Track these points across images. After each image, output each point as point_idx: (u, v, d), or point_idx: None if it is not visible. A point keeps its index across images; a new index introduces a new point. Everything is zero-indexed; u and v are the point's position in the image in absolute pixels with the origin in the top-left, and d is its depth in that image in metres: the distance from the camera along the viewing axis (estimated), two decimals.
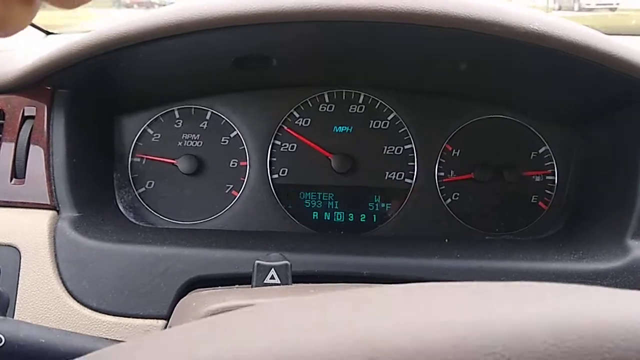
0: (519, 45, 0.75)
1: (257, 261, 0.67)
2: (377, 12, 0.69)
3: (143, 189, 1.02)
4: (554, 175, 1.00)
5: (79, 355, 0.56)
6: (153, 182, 1.02)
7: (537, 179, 1.00)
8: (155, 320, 0.77)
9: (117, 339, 0.75)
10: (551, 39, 0.73)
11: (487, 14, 0.71)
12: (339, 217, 1.02)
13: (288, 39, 0.82)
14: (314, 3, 0.67)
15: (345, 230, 1.01)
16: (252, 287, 0.66)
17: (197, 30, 0.71)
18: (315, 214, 1.02)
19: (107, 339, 0.60)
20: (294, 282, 0.68)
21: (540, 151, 1.00)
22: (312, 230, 1.01)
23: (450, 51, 0.85)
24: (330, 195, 1.02)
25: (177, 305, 0.71)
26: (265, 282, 0.67)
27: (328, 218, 1.02)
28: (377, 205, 1.01)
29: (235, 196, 1.01)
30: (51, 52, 0.85)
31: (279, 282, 0.67)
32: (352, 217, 1.02)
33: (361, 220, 1.01)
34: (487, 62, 0.89)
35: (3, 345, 0.53)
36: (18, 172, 0.87)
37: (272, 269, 0.67)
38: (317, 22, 0.70)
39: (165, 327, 0.76)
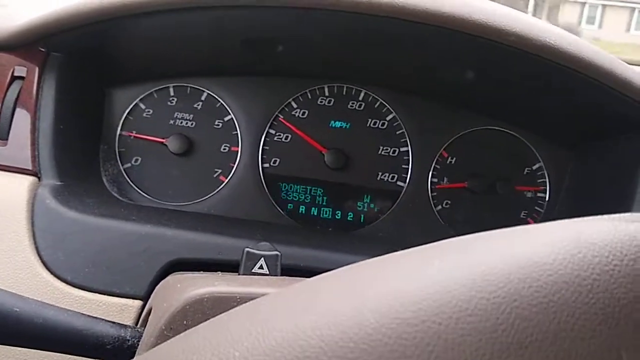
0: (531, 58, 0.74)
1: (246, 249, 0.65)
2: (396, 9, 0.68)
3: (129, 164, 0.99)
4: (545, 193, 0.99)
5: (53, 328, 0.53)
6: (140, 159, 0.99)
7: (529, 194, 1.00)
8: (131, 300, 0.74)
9: (92, 315, 0.72)
10: (566, 55, 0.72)
11: (505, 23, 0.70)
12: (326, 214, 1.00)
13: (299, 25, 0.80)
14: None
15: (331, 227, 1.00)
16: (239, 274, 0.64)
17: (211, 6, 0.69)
18: (302, 207, 1.00)
19: (85, 314, 0.57)
20: (281, 274, 0.66)
21: (534, 167, 1.00)
22: (298, 223, 0.99)
23: (459, 57, 0.84)
24: (320, 190, 1.00)
25: (158, 286, 0.69)
26: (253, 271, 0.64)
27: (315, 213, 1.00)
28: (366, 205, 0.99)
29: (223, 181, 0.99)
30: (50, 12, 0.82)
31: (268, 272, 0.64)
32: (339, 214, 1.00)
33: (348, 218, 1.00)
34: (492, 73, 0.88)
35: None
36: (1, 133, 0.83)
37: (262, 259, 0.64)
38: (338, 12, 0.68)
39: (142, 307, 0.73)
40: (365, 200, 1.00)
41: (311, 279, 0.29)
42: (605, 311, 0.21)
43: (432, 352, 0.21)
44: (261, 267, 0.65)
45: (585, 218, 0.27)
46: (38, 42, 0.85)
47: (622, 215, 0.26)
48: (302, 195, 1.00)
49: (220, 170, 0.99)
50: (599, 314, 0.21)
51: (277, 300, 0.28)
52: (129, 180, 0.98)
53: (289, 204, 1.00)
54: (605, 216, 0.26)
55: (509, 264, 0.24)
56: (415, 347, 0.22)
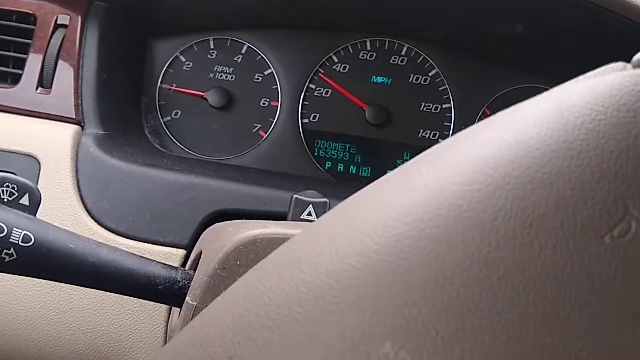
0: (586, 8, 0.72)
1: (295, 195, 0.64)
2: None
3: (169, 118, 0.98)
4: None
5: (106, 267, 0.53)
6: (180, 112, 0.98)
7: None
8: (175, 249, 0.74)
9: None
10: (626, 5, 0.70)
11: None
12: (364, 172, 0.99)
13: None
14: None
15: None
16: (288, 220, 0.64)
17: None
18: (341, 165, 0.99)
19: (137, 255, 0.56)
20: None
21: None
22: (336, 181, 0.98)
23: (508, 9, 0.82)
24: (360, 147, 0.99)
25: (206, 232, 0.68)
26: (301, 217, 0.64)
27: (354, 171, 0.99)
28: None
29: (263, 137, 0.98)
30: None
31: (316, 219, 0.64)
32: (379, 172, 0.99)
33: None
34: (541, 27, 0.86)
35: (33, 245, 0.50)
36: (45, 81, 0.83)
37: (311, 205, 0.64)
38: None
39: (186, 256, 0.73)
40: (405, 158, 0.98)
41: (311, 223, 0.29)
42: (600, 168, 0.21)
43: (437, 257, 0.21)
44: (309, 214, 0.64)
45: (564, 84, 0.26)
46: None
47: (596, 70, 0.26)
48: (341, 153, 0.99)
49: (260, 125, 0.98)
50: (595, 173, 0.21)
51: (283, 251, 0.28)
52: (169, 133, 0.98)
53: (328, 162, 0.99)
54: (581, 77, 0.26)
55: (495, 149, 0.23)
56: (420, 257, 0.21)
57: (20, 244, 0.50)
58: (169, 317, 0.71)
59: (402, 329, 0.20)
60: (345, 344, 0.21)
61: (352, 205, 0.27)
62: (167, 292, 0.56)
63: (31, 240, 0.50)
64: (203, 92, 0.97)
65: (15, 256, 0.49)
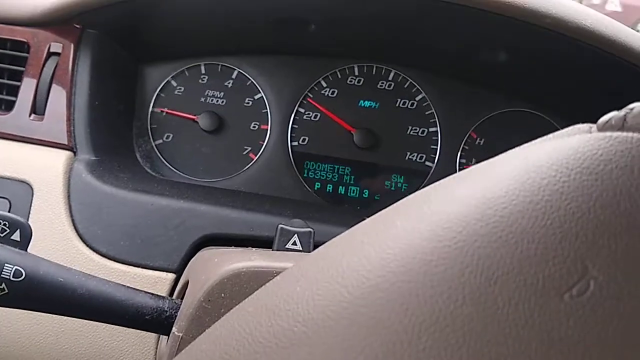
0: (566, 41, 0.74)
1: (280, 225, 0.66)
2: None
3: (160, 140, 1.00)
4: None
5: (96, 298, 0.55)
6: (171, 135, 1.00)
7: None
8: (164, 273, 0.75)
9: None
10: (602, 38, 0.72)
11: (542, 5, 0.70)
12: (353, 192, 1.01)
13: (332, 4, 0.80)
14: None
15: (358, 206, 1.00)
16: (273, 250, 0.65)
17: None
18: (330, 186, 1.01)
19: (125, 286, 0.58)
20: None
21: None
22: (325, 202, 1.00)
23: (493, 38, 0.84)
24: (348, 169, 1.00)
25: (194, 259, 0.70)
26: (286, 247, 0.65)
27: (342, 192, 1.01)
28: (394, 184, 1.00)
29: (253, 159, 1.00)
30: None
31: (301, 248, 0.65)
32: (366, 193, 1.01)
33: (375, 198, 1.00)
34: (525, 55, 0.88)
35: (23, 279, 0.52)
36: (38, 108, 0.85)
37: (295, 235, 0.65)
38: None
39: (175, 280, 0.75)
40: (393, 180, 1.00)
41: (287, 270, 0.30)
42: (562, 229, 0.21)
43: (407, 310, 0.22)
44: (294, 244, 0.66)
45: (532, 142, 0.27)
46: (73, 19, 0.86)
47: (562, 130, 0.26)
48: (329, 174, 1.01)
49: (249, 148, 1.00)
50: (557, 234, 0.21)
51: (264, 294, 0.29)
52: (160, 156, 0.99)
53: (317, 183, 1.01)
54: (549, 135, 0.27)
55: (464, 206, 0.24)
56: (390, 310, 0.22)
57: (11, 279, 0.51)
58: (158, 341, 0.72)
59: None
60: None
61: (328, 253, 0.28)
62: (155, 321, 0.57)
63: (22, 275, 0.52)
64: (194, 116, 0.99)
65: (6, 291, 0.51)
